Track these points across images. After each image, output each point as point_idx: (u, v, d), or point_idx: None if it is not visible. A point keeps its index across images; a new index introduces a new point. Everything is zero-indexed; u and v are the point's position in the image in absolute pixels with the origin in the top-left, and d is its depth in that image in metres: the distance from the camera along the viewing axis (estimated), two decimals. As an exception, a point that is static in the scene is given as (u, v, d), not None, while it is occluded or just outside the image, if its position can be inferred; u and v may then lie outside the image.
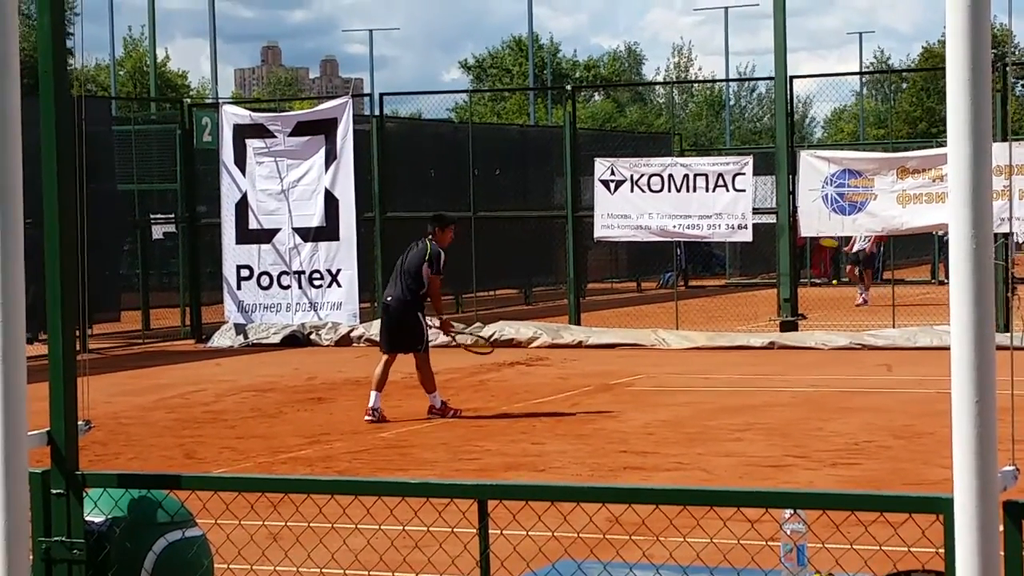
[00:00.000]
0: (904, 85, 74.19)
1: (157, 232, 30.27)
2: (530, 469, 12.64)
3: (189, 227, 27.38)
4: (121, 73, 65.71)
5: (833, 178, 23.69)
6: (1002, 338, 4.50)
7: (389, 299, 16.29)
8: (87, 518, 5.25)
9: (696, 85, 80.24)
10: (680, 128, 63.57)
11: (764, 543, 6.09)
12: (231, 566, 6.42)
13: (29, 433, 4.91)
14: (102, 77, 66.31)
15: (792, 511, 5.21)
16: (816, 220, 24.02)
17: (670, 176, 24.65)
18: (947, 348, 3.91)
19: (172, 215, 28.95)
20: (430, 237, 16.22)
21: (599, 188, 25.11)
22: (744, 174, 24.31)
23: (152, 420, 16.37)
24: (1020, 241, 26.30)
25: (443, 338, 18.30)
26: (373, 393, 15.75)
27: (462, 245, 27.76)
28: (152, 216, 30.05)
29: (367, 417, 15.62)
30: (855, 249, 31.44)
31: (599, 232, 25.40)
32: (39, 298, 5.16)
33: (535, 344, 23.68)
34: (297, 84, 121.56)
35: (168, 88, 65.15)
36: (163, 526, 5.51)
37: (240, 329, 25.40)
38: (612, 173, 24.98)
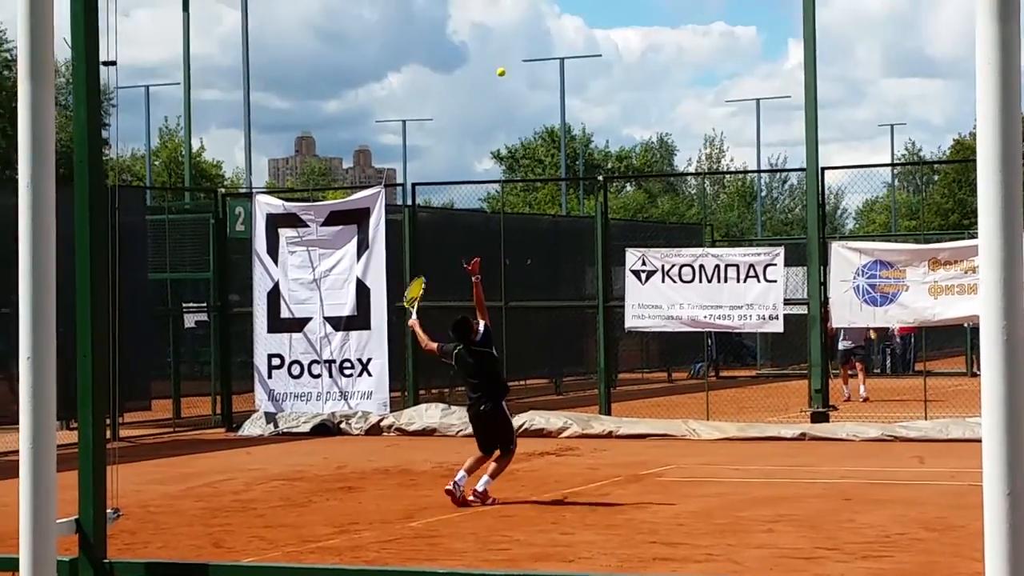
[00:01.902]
0: (935, 177, 74.36)
1: (189, 320, 30.37)
2: (559, 560, 12.58)
3: (221, 315, 27.48)
4: (156, 163, 66.29)
5: (864, 269, 23.68)
6: (1034, 431, 4.48)
7: (484, 407, 16.48)
8: (115, 606, 5.24)
9: (728, 176, 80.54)
10: (712, 218, 63.76)
11: (795, 636, 6.06)
12: (258, 656, 6.40)
13: (58, 521, 4.91)
14: (137, 167, 66.89)
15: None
16: (848, 311, 23.99)
17: (701, 266, 24.67)
18: (979, 440, 3.90)
19: (204, 303, 29.05)
20: (471, 339, 16.62)
21: (630, 278, 25.13)
22: (775, 265, 24.31)
23: (181, 508, 16.35)
24: None
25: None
26: (462, 472, 16.23)
27: (493, 334, 27.80)
28: (184, 304, 30.17)
29: (448, 487, 16.07)
30: (842, 347, 30.63)
31: (630, 322, 25.40)
32: (71, 385, 5.17)
33: (565, 434, 23.62)
34: (330, 174, 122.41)
35: (203, 178, 65.67)
36: (191, 615, 5.50)
37: (270, 418, 25.41)
38: (643, 263, 25.02)
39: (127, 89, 58.62)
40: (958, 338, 38.62)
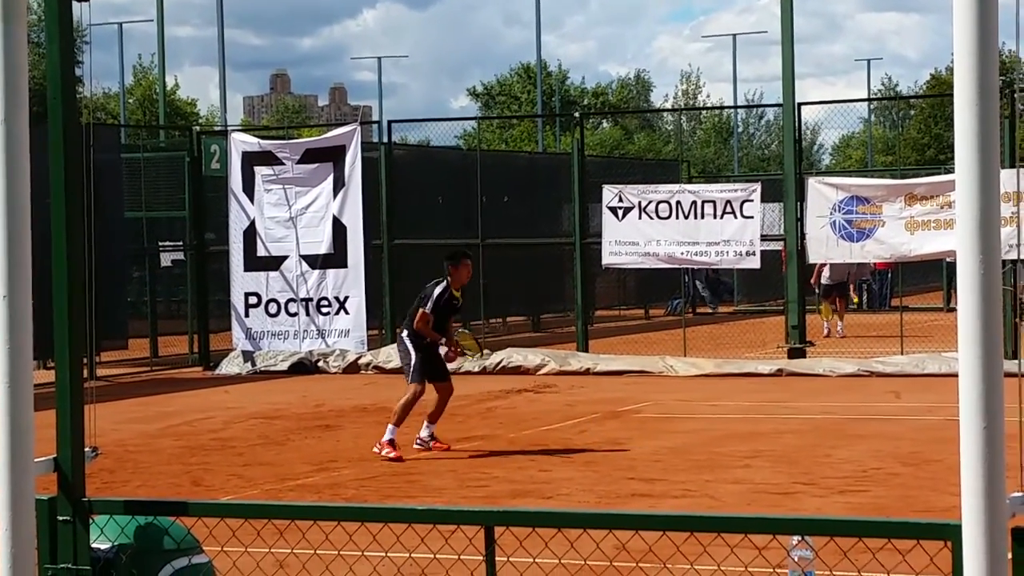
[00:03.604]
0: (912, 112, 74.32)
1: (165, 259, 30.30)
2: (537, 496, 12.63)
3: (197, 254, 27.41)
4: (130, 101, 65.90)
5: (841, 205, 23.68)
6: (1010, 365, 4.50)
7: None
8: (93, 545, 5.25)
9: (704, 112, 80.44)
10: (688, 155, 63.66)
11: (772, 570, 6.08)
12: (238, 593, 6.41)
13: (36, 460, 4.91)
14: (111, 105, 66.51)
15: (800, 537, 5.20)
16: (824, 247, 24.01)
17: (678, 203, 24.66)
18: (955, 375, 3.91)
19: (180, 242, 28.98)
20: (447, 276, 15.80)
21: (607, 215, 25.12)
22: (752, 201, 24.32)
23: (159, 447, 16.37)
24: None
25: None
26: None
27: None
28: (160, 243, 30.09)
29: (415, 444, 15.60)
30: (825, 282, 30.75)
31: (607, 259, 25.40)
32: (47, 324, 5.16)
33: (543, 371, 23.66)
34: (306, 111, 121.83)
35: (177, 116, 65.32)
36: (169, 553, 5.50)
37: (248, 356, 25.40)
38: (620, 200, 25.00)
39: (100, 26, 58.32)
40: (934, 273, 38.73)
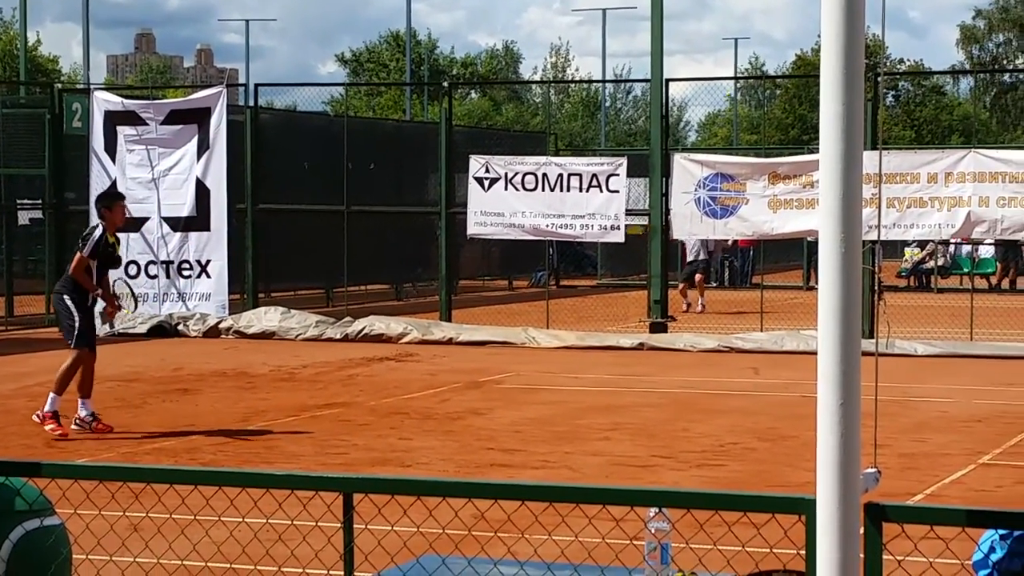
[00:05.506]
0: (777, 92, 75.15)
1: (23, 218, 29.80)
2: (397, 464, 12.62)
3: (56, 213, 26.99)
4: (-10, 55, 64.71)
5: (706, 181, 23.89)
6: (867, 344, 4.56)
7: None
8: (-58, 505, 5.14)
9: (572, 85, 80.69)
10: (555, 128, 63.83)
11: (628, 541, 6.12)
12: (90, 556, 6.34)
13: None
14: (-29, 59, 65.27)
15: (657, 510, 5.23)
16: (688, 223, 24.20)
17: (544, 175, 24.71)
18: (813, 353, 3.96)
19: (39, 201, 28.52)
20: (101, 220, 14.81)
21: (473, 185, 25.12)
22: (618, 175, 24.43)
23: (12, 408, 16.12)
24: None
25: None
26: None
27: (334, 239, 27.69)
28: (18, 201, 29.58)
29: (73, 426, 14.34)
30: (689, 259, 31.13)
31: (472, 229, 25.40)
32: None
33: (405, 340, 23.64)
34: (171, 72, 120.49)
35: (39, 72, 64.27)
36: (20, 514, 5.40)
37: (106, 318, 25.07)
38: (487, 171, 25.00)
39: (-39, -21, 57.09)
40: (795, 252, 39.22)
